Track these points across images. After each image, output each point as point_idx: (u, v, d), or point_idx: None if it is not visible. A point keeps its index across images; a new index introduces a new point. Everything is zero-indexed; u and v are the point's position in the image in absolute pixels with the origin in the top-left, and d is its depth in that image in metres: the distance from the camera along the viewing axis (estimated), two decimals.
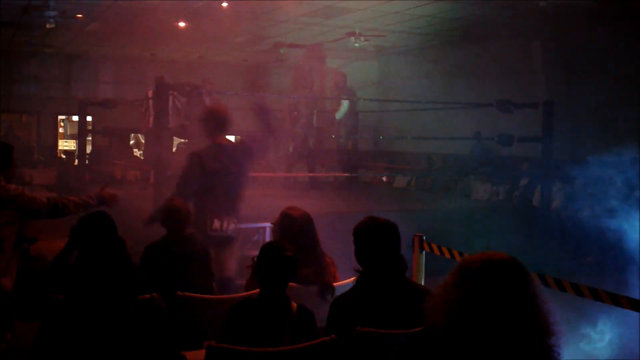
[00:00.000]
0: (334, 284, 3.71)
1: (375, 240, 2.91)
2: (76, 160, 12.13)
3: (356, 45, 11.43)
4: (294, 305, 2.92)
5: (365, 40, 11.37)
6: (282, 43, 12.65)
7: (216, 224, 4.63)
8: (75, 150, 14.47)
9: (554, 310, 1.87)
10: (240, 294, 3.48)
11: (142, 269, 3.82)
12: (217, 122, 4.84)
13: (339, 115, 9.72)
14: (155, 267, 3.89)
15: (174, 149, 9.73)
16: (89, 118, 11.14)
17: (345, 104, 9.62)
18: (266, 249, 3.00)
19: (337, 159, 10.11)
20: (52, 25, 9.36)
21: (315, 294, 3.60)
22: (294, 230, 3.74)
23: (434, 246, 4.51)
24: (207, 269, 4.12)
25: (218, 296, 3.48)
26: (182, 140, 12.18)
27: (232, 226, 4.70)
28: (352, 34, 11.28)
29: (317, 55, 10.09)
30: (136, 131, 14.54)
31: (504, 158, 10.66)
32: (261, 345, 2.70)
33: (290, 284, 3.56)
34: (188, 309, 3.38)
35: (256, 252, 4.10)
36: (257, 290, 3.12)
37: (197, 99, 8.99)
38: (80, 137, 10.61)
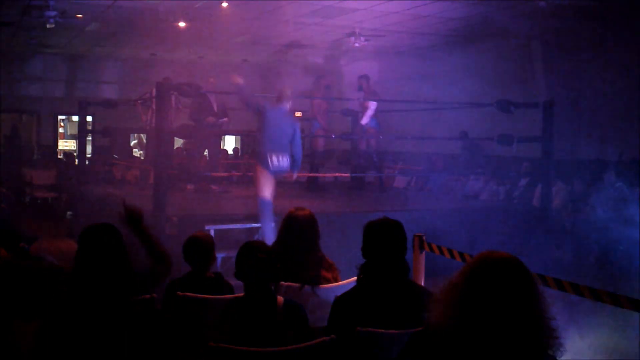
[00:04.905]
0: (333, 284, 3.72)
1: (384, 239, 2.96)
2: (76, 160, 12.12)
3: (356, 45, 11.42)
4: (280, 299, 2.92)
5: (365, 40, 11.35)
6: (283, 43, 12.65)
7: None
8: (75, 150, 14.45)
9: (553, 309, 1.87)
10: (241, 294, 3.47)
11: (164, 309, 3.47)
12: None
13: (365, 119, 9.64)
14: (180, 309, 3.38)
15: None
16: (89, 118, 11.12)
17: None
18: (242, 250, 3.00)
19: (344, 160, 10.14)
20: (52, 25, 9.33)
21: (313, 295, 3.61)
22: (295, 232, 3.78)
23: (434, 246, 4.50)
24: None
25: (218, 296, 3.47)
26: (181, 140, 12.19)
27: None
28: (352, 34, 11.27)
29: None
30: (136, 131, 14.54)
31: (503, 158, 10.65)
32: (253, 343, 2.71)
33: (286, 283, 3.57)
34: (187, 310, 3.37)
35: None
36: None
37: (204, 99, 8.94)
38: (80, 137, 10.58)
